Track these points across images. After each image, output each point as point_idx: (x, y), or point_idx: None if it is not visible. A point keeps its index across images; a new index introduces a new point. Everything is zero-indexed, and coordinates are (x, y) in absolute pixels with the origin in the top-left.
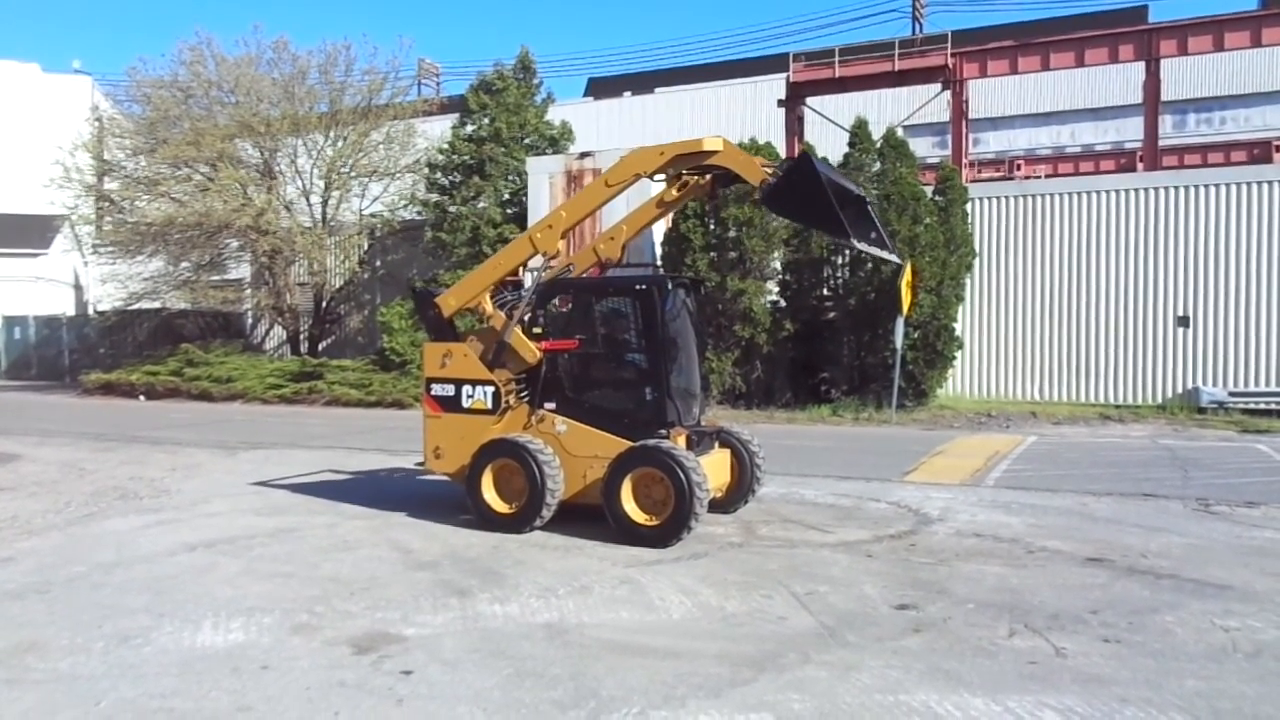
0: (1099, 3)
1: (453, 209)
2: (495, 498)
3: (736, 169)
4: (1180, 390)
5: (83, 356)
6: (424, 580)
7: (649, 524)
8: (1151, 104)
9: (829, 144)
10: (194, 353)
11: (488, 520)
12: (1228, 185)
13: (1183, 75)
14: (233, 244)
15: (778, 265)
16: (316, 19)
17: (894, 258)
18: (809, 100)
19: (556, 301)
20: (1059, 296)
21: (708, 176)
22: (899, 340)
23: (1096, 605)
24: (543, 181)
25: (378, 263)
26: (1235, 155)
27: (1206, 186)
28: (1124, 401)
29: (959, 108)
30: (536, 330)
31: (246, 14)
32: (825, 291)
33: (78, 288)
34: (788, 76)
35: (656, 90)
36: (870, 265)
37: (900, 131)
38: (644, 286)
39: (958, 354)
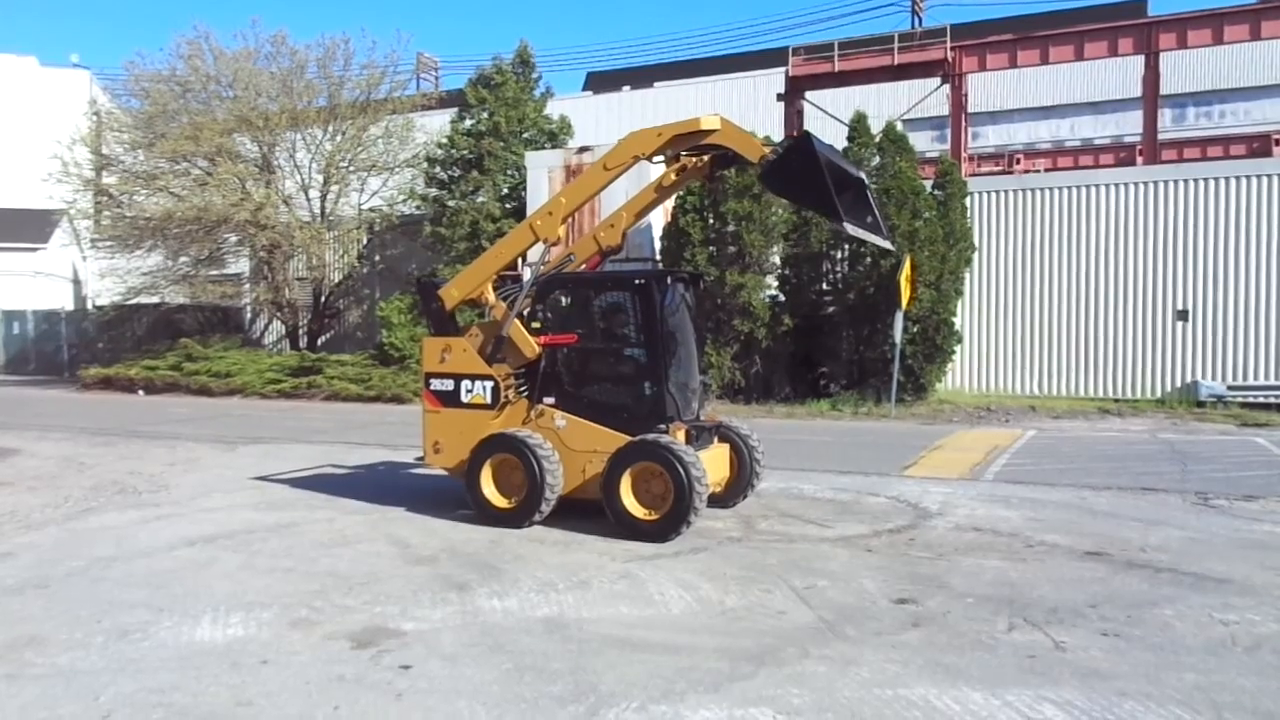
0: None
1: (451, 204)
2: (494, 492)
3: (735, 147)
4: (1179, 384)
5: (81, 351)
6: (423, 575)
7: (648, 519)
8: (1151, 98)
9: (828, 138)
10: (193, 347)
11: (487, 515)
12: (1227, 179)
13: (1182, 69)
14: (231, 239)
15: (777, 260)
16: (315, 13)
17: (885, 243)
18: (808, 94)
19: (557, 295)
20: (1058, 290)
21: (706, 157)
22: (898, 335)
23: (1095, 599)
24: (542, 176)
25: (376, 258)
26: (1234, 149)
27: (1206, 180)
28: (1123, 395)
29: (958, 102)
30: (535, 325)
31: (245, 8)
32: (824, 286)
33: (76, 282)
34: (787, 70)
35: (656, 85)
36: (869, 259)
37: (899, 125)
38: (643, 281)
39: (957, 348)
